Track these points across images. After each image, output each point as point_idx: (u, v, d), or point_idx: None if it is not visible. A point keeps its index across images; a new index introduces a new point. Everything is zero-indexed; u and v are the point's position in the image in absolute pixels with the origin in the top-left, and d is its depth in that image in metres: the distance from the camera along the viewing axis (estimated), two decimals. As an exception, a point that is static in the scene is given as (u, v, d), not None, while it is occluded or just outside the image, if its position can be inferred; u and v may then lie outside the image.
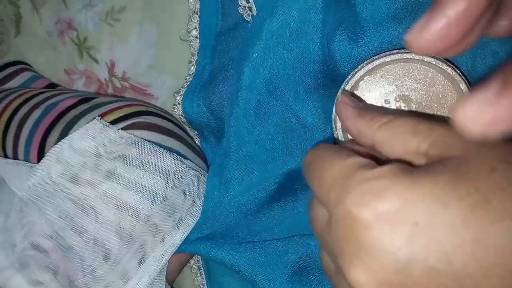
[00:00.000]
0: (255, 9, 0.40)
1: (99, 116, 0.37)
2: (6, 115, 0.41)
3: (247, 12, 0.40)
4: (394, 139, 0.22)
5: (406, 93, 0.32)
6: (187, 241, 0.40)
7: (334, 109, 0.32)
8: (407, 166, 0.19)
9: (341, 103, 0.27)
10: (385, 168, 0.19)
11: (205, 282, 0.47)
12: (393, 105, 0.32)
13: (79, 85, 0.54)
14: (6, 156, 0.40)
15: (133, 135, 0.37)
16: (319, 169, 0.22)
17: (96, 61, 0.52)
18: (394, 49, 0.33)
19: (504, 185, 0.17)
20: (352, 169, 0.20)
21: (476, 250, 0.17)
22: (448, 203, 0.17)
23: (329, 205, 0.20)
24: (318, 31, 0.35)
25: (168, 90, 0.50)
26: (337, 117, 0.32)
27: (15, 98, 0.43)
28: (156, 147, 0.37)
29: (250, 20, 0.40)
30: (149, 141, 0.37)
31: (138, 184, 0.36)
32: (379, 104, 0.33)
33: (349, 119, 0.26)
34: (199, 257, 0.47)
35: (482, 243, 0.17)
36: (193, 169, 0.39)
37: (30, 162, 0.38)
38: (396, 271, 0.18)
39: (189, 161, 0.40)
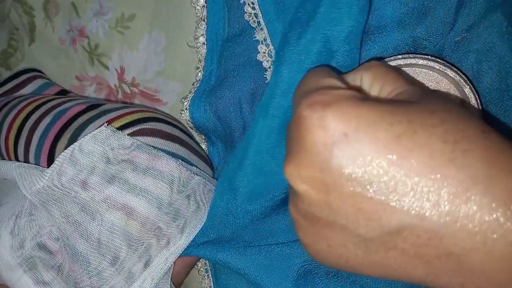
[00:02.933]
0: (261, 15, 0.39)
1: (106, 122, 0.37)
2: (18, 121, 0.42)
3: (252, 18, 0.40)
4: (374, 84, 0.24)
5: None
6: (193, 245, 0.40)
7: None
8: (362, 95, 0.22)
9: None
10: (343, 91, 0.21)
11: (212, 285, 0.46)
12: None
13: (90, 91, 0.54)
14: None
15: (139, 141, 0.37)
16: (301, 81, 0.25)
17: (107, 68, 0.52)
18: (398, 54, 0.33)
19: (436, 123, 0.19)
20: (321, 86, 0.22)
21: (392, 169, 0.19)
22: (379, 126, 0.19)
23: (293, 110, 0.23)
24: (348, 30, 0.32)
25: (176, 96, 0.50)
26: None
27: (27, 105, 0.43)
28: (161, 153, 0.37)
29: (256, 27, 0.39)
30: (154, 147, 0.37)
31: (143, 189, 0.36)
32: None
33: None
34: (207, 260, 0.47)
35: (399, 164, 0.19)
36: (197, 175, 0.39)
37: (42, 167, 0.38)
38: (321, 170, 0.20)
39: (194, 167, 0.40)
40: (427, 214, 0.19)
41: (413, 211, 0.19)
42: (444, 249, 0.19)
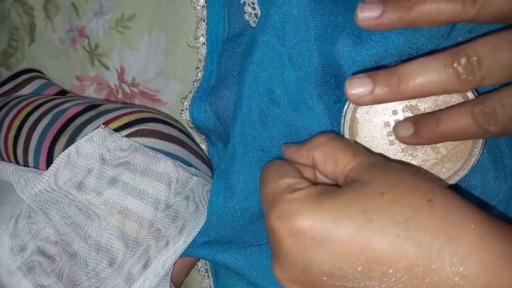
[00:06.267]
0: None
1: (103, 123, 0.36)
2: (17, 122, 0.41)
3: (253, 18, 0.39)
4: (327, 161, 0.27)
5: (414, 103, 0.31)
6: (193, 245, 0.39)
7: (343, 114, 0.31)
8: (318, 191, 0.24)
9: (283, 147, 0.32)
10: (301, 193, 0.24)
11: (212, 285, 0.45)
12: (400, 116, 0.31)
13: (90, 91, 0.53)
14: (17, 163, 0.40)
15: (137, 142, 0.36)
16: (261, 183, 0.27)
17: (107, 68, 0.51)
18: (399, 61, 0.32)
19: (386, 206, 0.21)
20: (280, 190, 0.25)
21: (360, 260, 0.21)
22: (340, 223, 0.22)
23: (264, 211, 0.26)
24: (314, 39, 0.33)
25: (176, 96, 0.49)
26: (346, 122, 0.31)
27: (26, 106, 0.42)
28: (159, 154, 0.36)
29: (256, 27, 0.39)
30: (152, 148, 0.36)
31: (141, 191, 0.35)
32: (386, 115, 0.31)
33: (292, 152, 0.30)
34: (207, 259, 0.46)
35: (365, 254, 0.21)
36: (196, 176, 0.38)
37: (39, 170, 0.37)
38: (303, 271, 0.23)
39: (193, 168, 0.39)
40: None
41: None
42: None
